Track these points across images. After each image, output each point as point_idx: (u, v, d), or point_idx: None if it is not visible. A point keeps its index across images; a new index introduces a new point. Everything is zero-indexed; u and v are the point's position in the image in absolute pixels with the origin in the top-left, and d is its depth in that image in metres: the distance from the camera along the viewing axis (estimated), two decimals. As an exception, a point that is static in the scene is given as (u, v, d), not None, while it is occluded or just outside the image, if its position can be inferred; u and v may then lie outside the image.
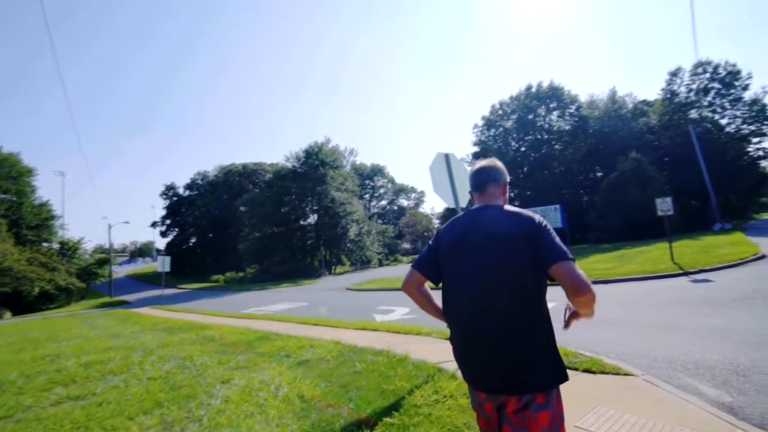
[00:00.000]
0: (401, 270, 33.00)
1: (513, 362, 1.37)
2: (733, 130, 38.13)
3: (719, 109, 38.75)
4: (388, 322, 7.68)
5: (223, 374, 4.60)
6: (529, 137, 44.65)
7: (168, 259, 20.09)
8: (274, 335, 6.92)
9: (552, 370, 1.39)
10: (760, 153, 38.64)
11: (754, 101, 36.60)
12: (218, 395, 3.79)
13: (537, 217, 1.44)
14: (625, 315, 6.63)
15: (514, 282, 1.38)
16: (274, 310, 13.92)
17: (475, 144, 48.81)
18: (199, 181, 59.23)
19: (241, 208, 41.42)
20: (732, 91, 37.48)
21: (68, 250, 40.04)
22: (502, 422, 1.41)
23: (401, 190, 74.65)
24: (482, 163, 1.70)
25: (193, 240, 58.91)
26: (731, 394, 3.36)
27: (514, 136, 45.79)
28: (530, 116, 44.33)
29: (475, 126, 48.84)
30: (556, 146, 43.36)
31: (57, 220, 42.03)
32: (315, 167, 40.48)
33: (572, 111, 43.70)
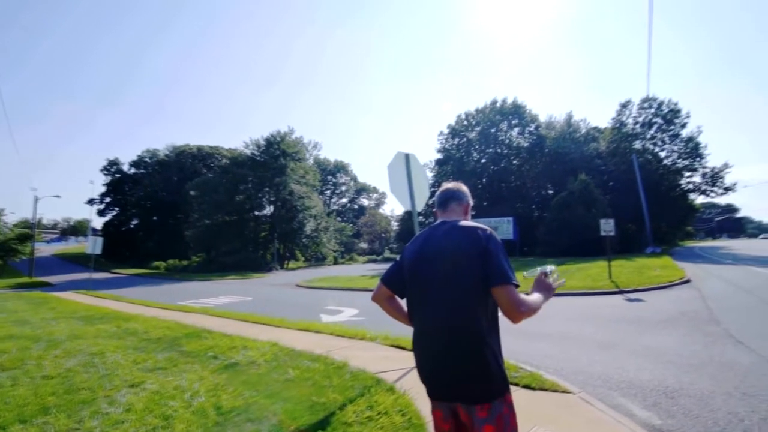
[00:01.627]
0: (356, 269, 32.65)
1: (455, 370, 1.41)
2: (669, 163, 41.77)
3: (659, 143, 42.30)
4: (334, 324, 7.34)
5: (134, 376, 4.04)
6: (490, 150, 46.11)
7: (100, 240, 18.32)
8: (205, 332, 6.34)
9: (490, 383, 1.41)
10: (690, 186, 42.69)
11: (690, 139, 40.35)
12: (121, 402, 3.27)
13: (488, 232, 1.48)
14: (566, 329, 6.78)
15: (462, 295, 1.42)
16: (215, 303, 13.06)
17: (439, 151, 49.64)
18: (147, 159, 55.16)
19: (191, 192, 39.00)
20: (672, 127, 41.05)
21: (-19, 221, 35.51)
22: None
23: (363, 190, 74.25)
24: (448, 185, 1.78)
25: (135, 222, 54.75)
26: (660, 416, 3.40)
27: (477, 147, 47.07)
28: (493, 130, 45.79)
29: (441, 133, 49.69)
30: (514, 161, 45.15)
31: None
32: (275, 157, 39.07)
33: (531, 129, 45.72)
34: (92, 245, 18.44)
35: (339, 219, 63.18)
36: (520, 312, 1.37)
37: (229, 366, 4.35)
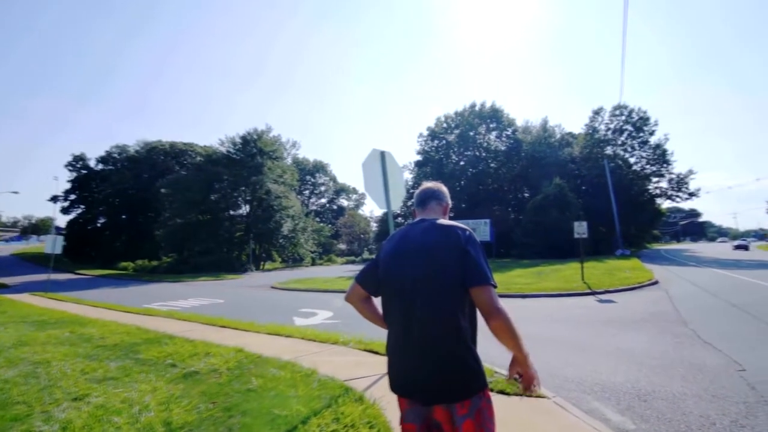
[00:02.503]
0: (333, 270, 32.24)
1: (434, 370, 1.38)
2: (638, 169, 43.41)
3: (629, 149, 43.90)
4: (305, 328, 7.07)
5: (79, 388, 3.68)
6: (469, 153, 46.66)
7: (59, 239, 17.25)
8: (167, 338, 5.96)
9: (470, 381, 1.40)
10: (657, 191, 44.53)
11: (657, 146, 42.07)
12: (58, 419, 2.94)
13: (466, 233, 1.46)
14: (541, 331, 6.77)
15: (440, 294, 1.40)
16: (183, 306, 12.49)
17: (419, 153, 49.84)
18: (116, 155, 52.82)
19: (163, 190, 37.52)
20: (641, 134, 42.69)
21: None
22: None
23: (342, 190, 73.67)
24: (428, 184, 1.76)
25: (102, 220, 52.24)
26: (634, 420, 3.35)
27: (455, 150, 47.52)
28: (471, 133, 46.35)
29: (420, 135, 49.92)
30: (492, 164, 45.83)
31: None
32: (252, 155, 38.15)
33: (509, 133, 46.57)
34: (51, 244, 17.35)
35: (317, 219, 62.46)
36: (498, 313, 1.34)
37: (187, 375, 4.04)
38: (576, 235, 14.06)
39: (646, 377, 4.30)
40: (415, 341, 1.41)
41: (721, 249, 50.04)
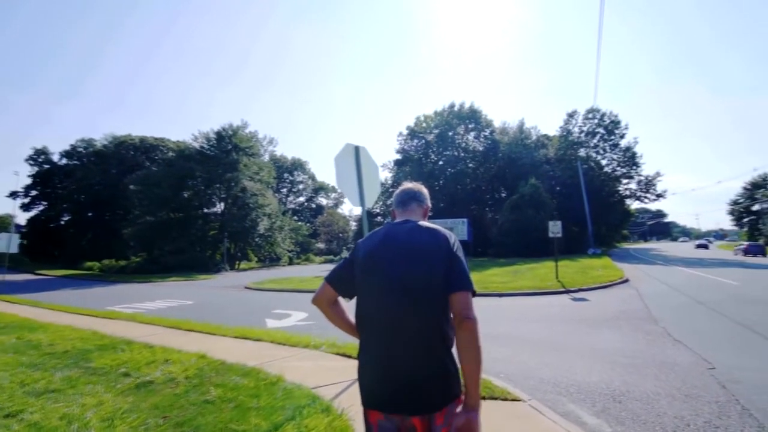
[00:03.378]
0: (311, 270, 31.72)
1: (421, 378, 1.32)
2: (609, 171, 44.90)
3: (601, 151, 45.33)
4: (276, 330, 6.78)
5: (15, 402, 3.30)
6: (448, 153, 46.97)
7: (15, 237, 16.16)
8: (124, 343, 5.55)
9: (451, 389, 1.35)
10: (627, 193, 46.21)
11: (627, 149, 43.62)
12: (-19, 441, 2.59)
13: (452, 238, 1.44)
14: (516, 330, 6.73)
15: (427, 299, 1.34)
16: (149, 308, 11.88)
17: (398, 152, 49.85)
18: (82, 150, 50.26)
19: (131, 187, 35.92)
20: (612, 137, 44.15)
21: None
22: None
23: (321, 189, 72.71)
24: (409, 185, 1.72)
25: (66, 218, 49.62)
26: (610, 423, 3.28)
27: (434, 149, 47.75)
28: (450, 133, 46.67)
29: (400, 134, 49.94)
30: (470, 164, 46.29)
31: None
32: (227, 151, 37.00)
33: (486, 134, 47.15)
34: (7, 243, 16.22)
35: (295, 218, 61.46)
36: (471, 320, 1.28)
37: (141, 385, 3.71)
38: (551, 234, 14.26)
39: (620, 377, 4.28)
40: (402, 347, 1.33)
41: (684, 248, 53.39)
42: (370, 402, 1.40)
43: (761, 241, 51.05)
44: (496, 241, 35.32)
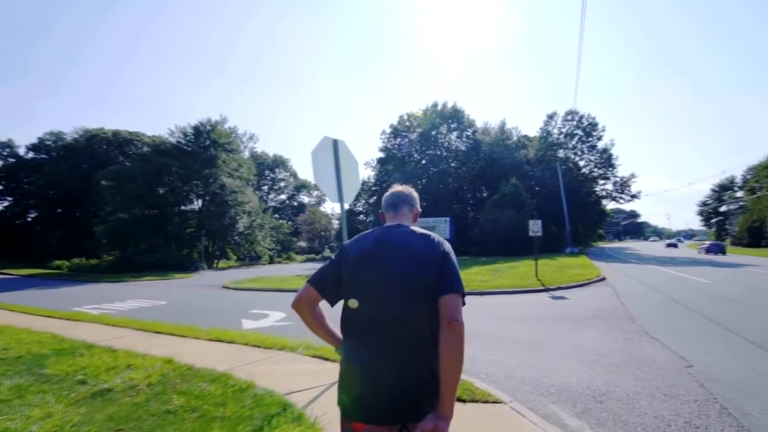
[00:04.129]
0: (292, 269, 31.24)
1: (415, 386, 1.30)
2: (587, 172, 46.01)
3: (579, 153, 46.42)
4: (251, 332, 6.52)
5: (-50, 416, 2.97)
6: (430, 152, 47.12)
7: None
8: (85, 347, 5.19)
9: (437, 395, 1.27)
10: (603, 193, 47.47)
11: (604, 150, 44.80)
12: None
13: (446, 245, 1.43)
14: (497, 329, 6.68)
15: (421, 299, 1.32)
16: (119, 309, 11.35)
17: (381, 150, 49.65)
18: (51, 143, 47.99)
19: (103, 182, 34.51)
20: (590, 139, 45.25)
21: None
22: None
23: (303, 186, 71.79)
24: (400, 188, 1.70)
25: (33, 214, 47.38)
26: (591, 424, 3.22)
27: (418, 148, 47.81)
28: (433, 132, 46.82)
29: (383, 132, 49.75)
30: (453, 164, 46.58)
31: None
32: (205, 147, 36.03)
33: (469, 134, 47.52)
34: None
35: (276, 216, 60.55)
36: (458, 321, 1.25)
37: (97, 394, 3.43)
38: (531, 233, 14.39)
39: (601, 376, 4.24)
40: (397, 354, 1.30)
41: (655, 247, 55.88)
42: (355, 413, 1.32)
43: (728, 241, 53.40)
44: (478, 240, 35.64)
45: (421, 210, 1.72)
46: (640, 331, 6.19)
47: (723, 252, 32.90)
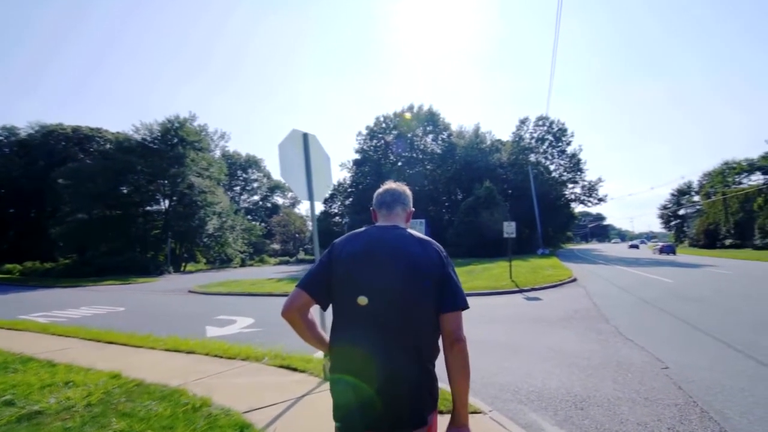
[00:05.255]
0: (264, 272, 30.35)
1: (415, 397, 1.26)
2: (557, 176, 47.42)
3: (550, 157, 47.80)
4: (215, 340, 6.07)
5: None
6: (407, 154, 47.23)
7: None
8: (21, 361, 4.62)
9: (434, 402, 1.32)
10: (572, 197, 49.05)
11: (573, 155, 46.35)
12: None
13: (443, 252, 1.38)
14: (474, 332, 6.51)
15: (416, 310, 1.28)
16: (71, 316, 10.49)
17: (357, 151, 49.33)
18: (3, 138, 44.65)
19: (60, 180, 32.42)
20: (560, 144, 46.69)
21: None
22: None
23: (277, 187, 70.28)
24: (394, 185, 1.61)
25: (-19, 215, 43.89)
26: (573, 434, 3.07)
27: (393, 150, 47.82)
28: (409, 134, 46.97)
29: (359, 134, 49.47)
30: (428, 166, 46.88)
31: None
32: (172, 145, 34.54)
33: (444, 137, 47.98)
34: None
35: (249, 218, 58.96)
36: (461, 340, 1.29)
37: (24, 418, 2.96)
38: (505, 235, 14.49)
39: (580, 380, 4.13)
40: (389, 366, 1.24)
41: (618, 248, 58.67)
42: (350, 426, 1.29)
43: (686, 242, 56.41)
44: (452, 242, 35.89)
45: (413, 210, 1.64)
46: (614, 332, 6.19)
47: (674, 252, 36.15)
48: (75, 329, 7.31)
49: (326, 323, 1.67)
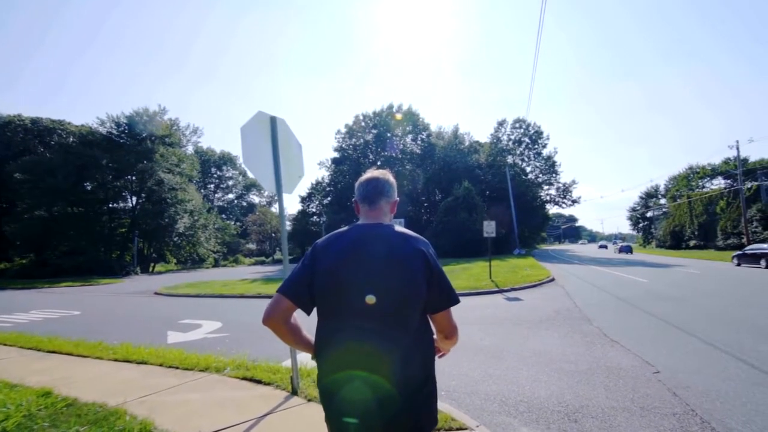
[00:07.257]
0: (238, 272, 29.31)
1: (405, 403, 1.21)
2: (533, 177, 48.30)
3: (526, 159, 48.63)
4: (174, 348, 5.50)
5: None
6: (386, 153, 46.94)
7: None
8: (-67, 378, 3.95)
9: (434, 414, 1.30)
10: (547, 198, 50.08)
11: (548, 158, 47.29)
12: None
13: (429, 247, 1.34)
14: (455, 336, 6.23)
15: (405, 312, 1.25)
16: (18, 321, 9.57)
17: (336, 150, 48.68)
18: (-48, 130, 41.42)
19: (17, 175, 30.31)
20: (536, 146, 47.56)
21: None
22: None
23: (253, 186, 68.55)
24: (376, 173, 1.48)
25: (-74, 211, 40.53)
26: (569, 450, 2.76)
27: (372, 149, 47.45)
28: (389, 134, 46.72)
29: (338, 132, 48.84)
30: (408, 166, 46.75)
31: None
32: (141, 139, 32.92)
33: (423, 137, 48.01)
34: None
35: (223, 216, 57.23)
36: (456, 331, 1.38)
37: None
38: (485, 234, 14.36)
39: (570, 388, 3.86)
40: (383, 375, 1.19)
41: (589, 248, 60.71)
42: (369, 423, 1.22)
43: (653, 243, 58.67)
44: (431, 242, 35.87)
45: (398, 199, 1.52)
46: (598, 333, 6.02)
47: (630, 251, 39.89)
48: (15, 336, 6.55)
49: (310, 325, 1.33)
